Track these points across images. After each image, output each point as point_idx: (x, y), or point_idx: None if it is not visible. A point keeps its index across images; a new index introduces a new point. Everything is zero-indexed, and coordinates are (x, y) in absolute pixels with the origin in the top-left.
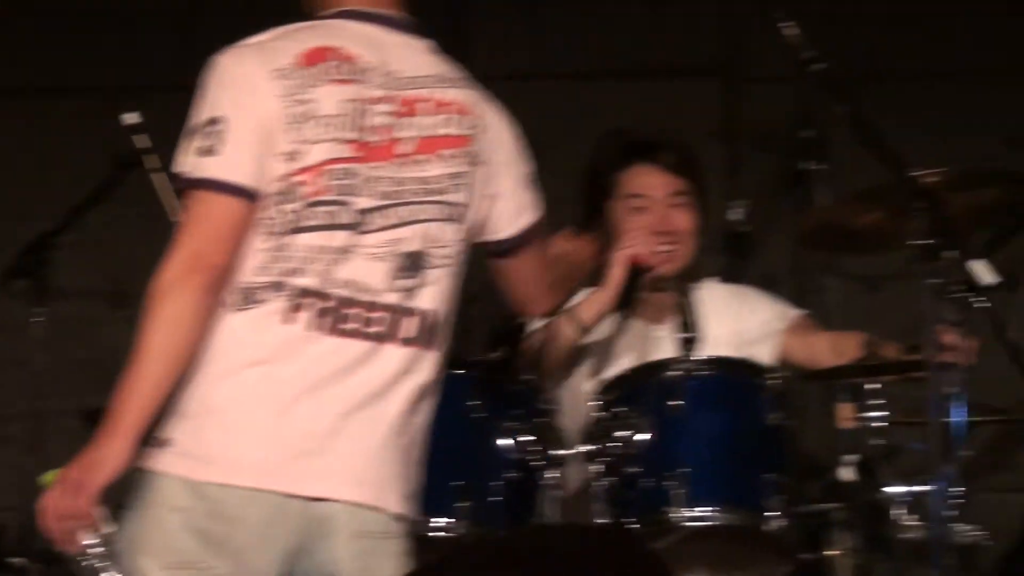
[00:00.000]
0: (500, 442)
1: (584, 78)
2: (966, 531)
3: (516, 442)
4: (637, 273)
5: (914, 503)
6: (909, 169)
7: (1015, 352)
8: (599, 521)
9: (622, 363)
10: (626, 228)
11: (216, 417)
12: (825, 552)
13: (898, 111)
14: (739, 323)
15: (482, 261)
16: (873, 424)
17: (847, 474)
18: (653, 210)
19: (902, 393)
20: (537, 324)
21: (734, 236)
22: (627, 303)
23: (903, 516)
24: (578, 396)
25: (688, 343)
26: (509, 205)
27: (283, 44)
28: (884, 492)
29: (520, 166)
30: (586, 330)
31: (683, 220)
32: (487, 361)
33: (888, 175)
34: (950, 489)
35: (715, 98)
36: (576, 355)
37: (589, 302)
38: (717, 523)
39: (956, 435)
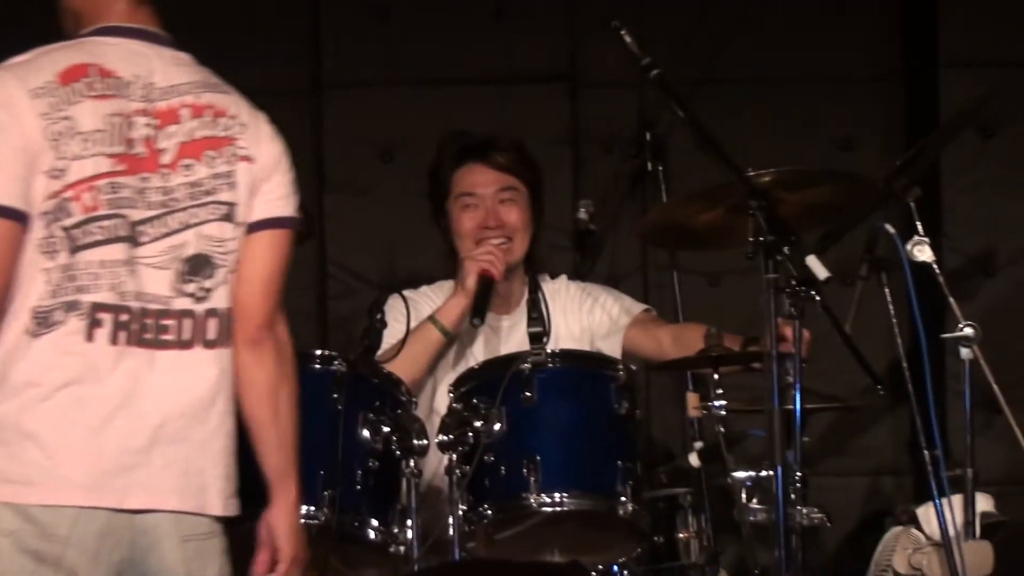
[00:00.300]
0: (362, 434)
1: (433, 85)
2: (807, 513)
3: (377, 434)
4: (487, 284)
5: (757, 487)
6: (745, 170)
7: (850, 343)
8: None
9: (473, 355)
10: (459, 226)
11: (33, 441)
12: (675, 534)
13: (733, 115)
14: (587, 319)
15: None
16: (717, 413)
17: (694, 460)
18: (482, 207)
19: (744, 383)
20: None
21: (582, 234)
22: (480, 311)
23: (747, 500)
24: (435, 389)
25: (538, 337)
26: (264, 199)
27: (42, 63)
28: (729, 477)
29: (280, 167)
30: (449, 334)
31: (512, 215)
32: (349, 358)
33: (725, 175)
34: (791, 474)
35: (561, 103)
36: (438, 355)
37: (448, 307)
38: (570, 508)
39: (795, 422)
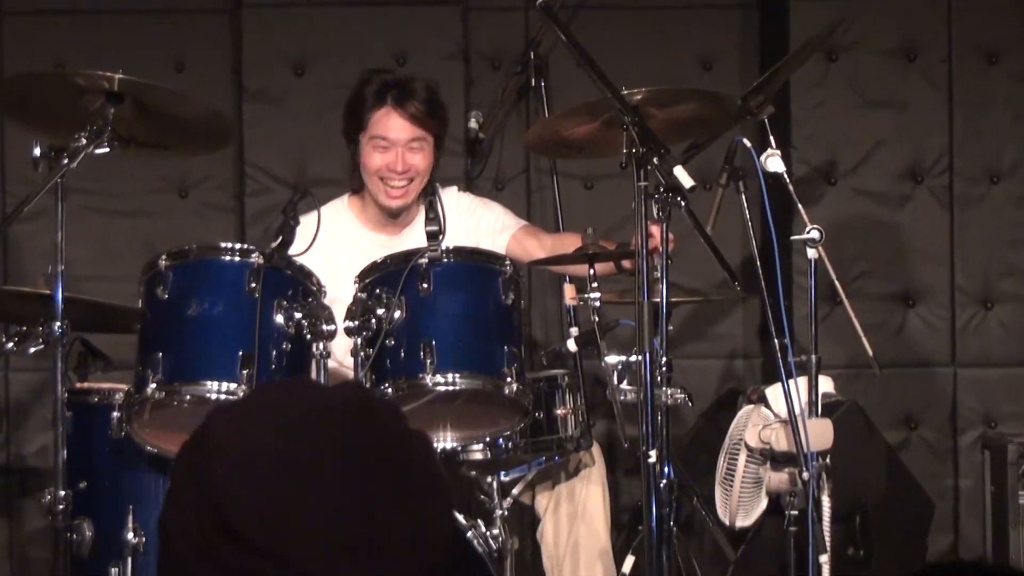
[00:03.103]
0: (276, 319)
1: (342, 5)
2: (671, 394)
3: (290, 320)
4: None
5: (627, 370)
6: (619, 88)
7: (710, 243)
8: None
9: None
10: (367, 161)
11: None
12: (553, 411)
13: (608, 37)
14: (475, 227)
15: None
16: (592, 304)
17: (571, 345)
18: (392, 151)
19: (616, 278)
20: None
21: (472, 142)
22: None
23: (618, 382)
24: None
25: (435, 235)
26: None
27: None
28: (603, 361)
29: None
30: None
31: (417, 160)
32: (265, 251)
33: (601, 93)
34: (657, 359)
35: (454, 24)
36: None
37: None
38: (462, 387)
39: (662, 313)
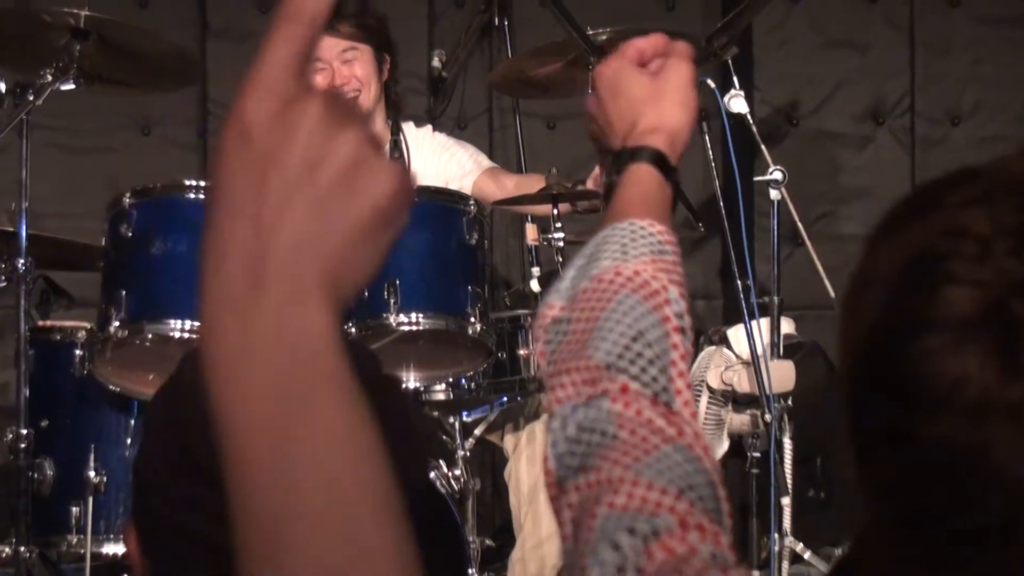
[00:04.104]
0: None
1: None
2: None
3: None
4: None
5: None
6: (584, 28)
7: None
8: None
9: None
10: None
11: None
12: (516, 351)
13: None
14: (444, 166)
15: None
16: (556, 244)
17: (535, 286)
18: (328, 70)
19: (579, 219)
20: None
21: (435, 80)
22: None
23: None
24: None
25: None
26: None
27: None
28: None
29: None
30: None
31: (354, 69)
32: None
33: (565, 32)
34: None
35: None
36: None
37: None
38: (426, 327)
39: None
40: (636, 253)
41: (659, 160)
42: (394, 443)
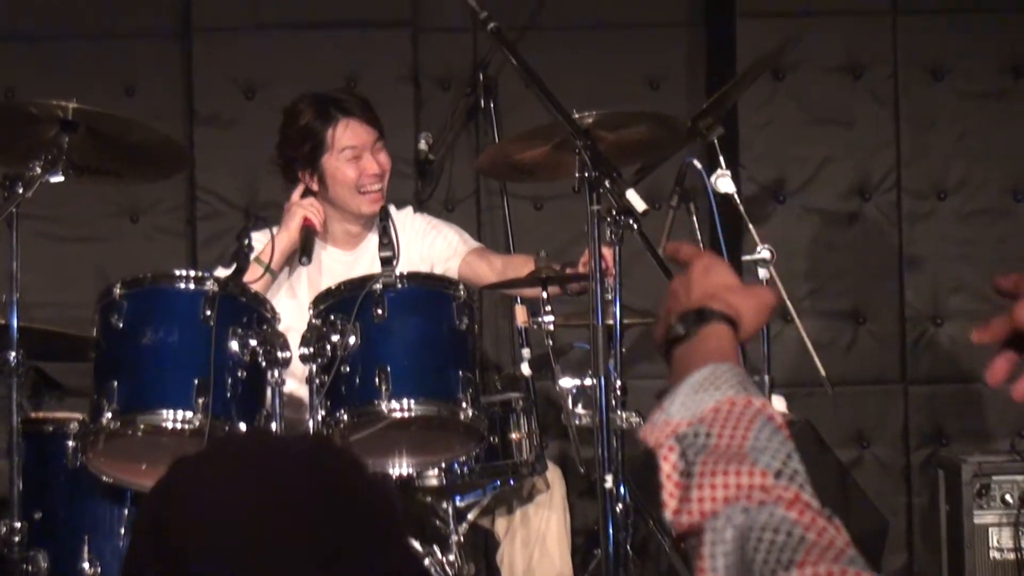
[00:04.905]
0: (232, 347)
1: (291, 29)
2: (626, 418)
3: (245, 347)
4: (310, 233)
5: (582, 394)
6: (569, 112)
7: (662, 264)
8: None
9: (332, 280)
10: (343, 176)
11: None
12: (508, 435)
13: (555, 58)
14: (428, 249)
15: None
16: (546, 327)
17: (526, 369)
18: (365, 158)
19: (569, 300)
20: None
21: (422, 163)
22: (307, 252)
23: (573, 405)
24: (297, 308)
25: (389, 261)
26: None
27: None
28: (557, 385)
29: None
30: (272, 272)
31: (386, 160)
32: (219, 278)
33: (550, 113)
34: (612, 382)
35: (403, 46)
36: (267, 288)
37: (269, 248)
38: (417, 413)
39: (616, 336)
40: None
41: (732, 325)
42: (380, 548)
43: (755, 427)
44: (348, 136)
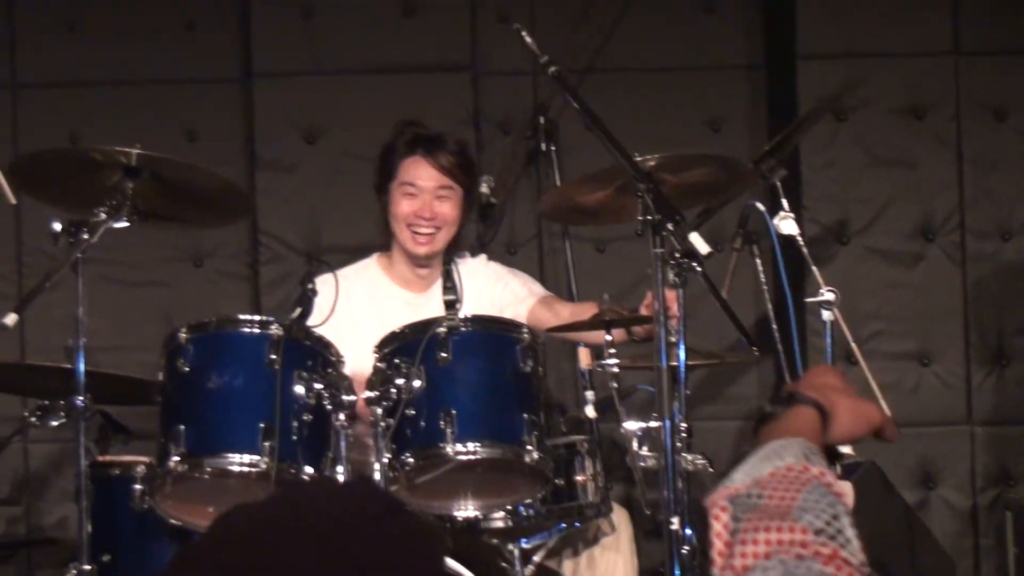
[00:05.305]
0: (297, 391)
1: (352, 74)
2: (691, 460)
3: (310, 390)
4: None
5: (647, 436)
6: (632, 154)
7: (726, 306)
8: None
9: (385, 323)
10: (396, 209)
11: None
12: (573, 477)
13: (617, 100)
14: (499, 296)
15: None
16: (610, 369)
17: (590, 411)
18: (420, 198)
19: (633, 343)
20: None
21: (484, 207)
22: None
23: (638, 448)
24: (362, 351)
25: (452, 304)
26: None
27: None
28: (622, 428)
29: None
30: None
31: (444, 209)
32: (284, 322)
33: (611, 155)
34: (677, 424)
35: (464, 90)
36: None
37: None
38: (483, 456)
39: (680, 377)
40: (817, 462)
41: (821, 414)
42: None
43: (805, 490)
44: (412, 173)
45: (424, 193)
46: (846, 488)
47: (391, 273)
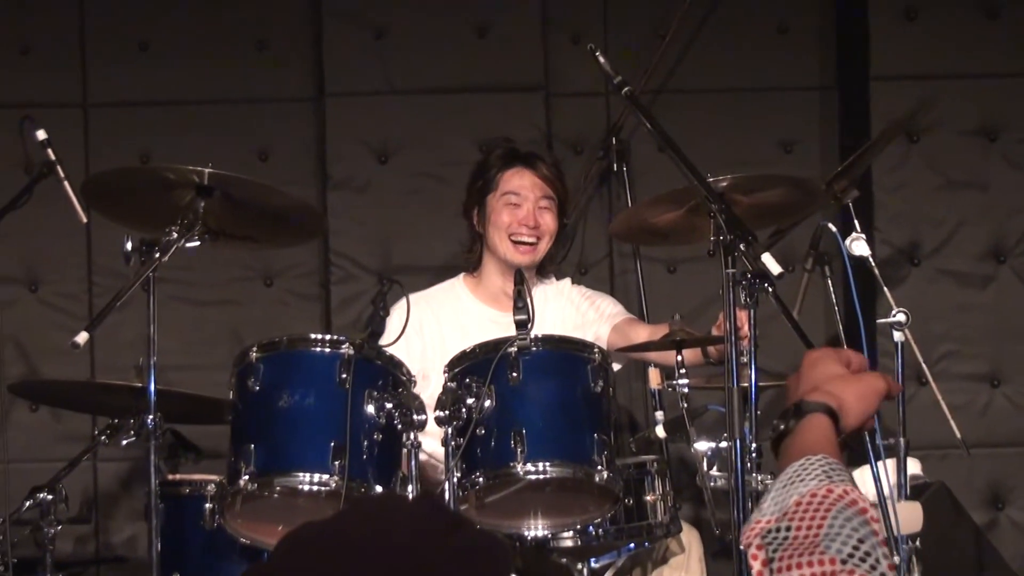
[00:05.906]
0: (367, 410)
1: (424, 94)
2: (761, 480)
3: (381, 410)
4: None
5: (717, 456)
6: (704, 175)
7: (797, 327)
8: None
9: (472, 342)
10: (498, 218)
11: None
12: (643, 497)
13: (689, 121)
14: (581, 319)
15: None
16: (680, 390)
17: (660, 432)
18: (523, 207)
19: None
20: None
21: None
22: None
23: (708, 468)
24: (433, 370)
25: (523, 324)
26: None
27: None
28: (692, 448)
29: None
30: None
31: (546, 219)
32: (355, 341)
33: (683, 176)
34: (747, 445)
35: (536, 111)
36: None
37: None
38: (552, 475)
39: (751, 398)
40: (839, 479)
41: (831, 414)
42: None
43: (831, 515)
44: (514, 182)
45: (527, 202)
46: (866, 500)
47: (478, 293)
